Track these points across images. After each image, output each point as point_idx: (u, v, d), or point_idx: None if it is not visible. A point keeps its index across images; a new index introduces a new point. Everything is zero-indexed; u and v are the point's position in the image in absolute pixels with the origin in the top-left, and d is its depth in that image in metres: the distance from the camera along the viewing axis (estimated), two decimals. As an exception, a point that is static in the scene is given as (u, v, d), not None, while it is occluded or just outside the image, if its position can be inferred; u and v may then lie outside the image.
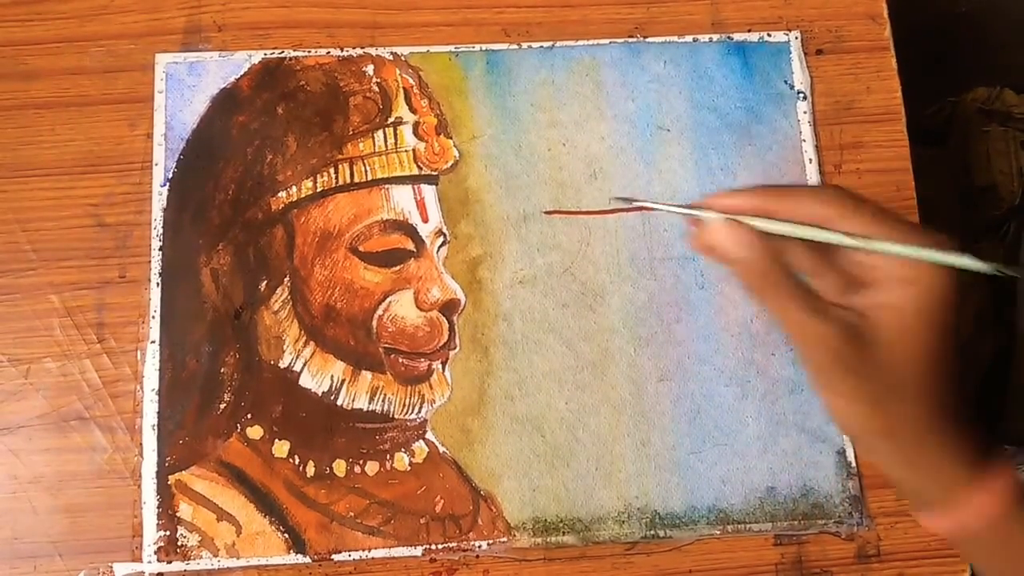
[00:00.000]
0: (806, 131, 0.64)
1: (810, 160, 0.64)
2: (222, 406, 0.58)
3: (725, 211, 0.42)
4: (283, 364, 0.59)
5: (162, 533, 0.56)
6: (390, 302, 0.60)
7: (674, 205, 0.43)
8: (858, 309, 0.42)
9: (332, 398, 0.59)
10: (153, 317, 0.59)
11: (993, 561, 0.45)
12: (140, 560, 0.56)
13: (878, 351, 0.41)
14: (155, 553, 0.56)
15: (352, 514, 0.57)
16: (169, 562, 0.56)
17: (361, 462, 0.58)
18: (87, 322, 0.59)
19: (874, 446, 0.44)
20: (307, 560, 0.57)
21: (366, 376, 0.59)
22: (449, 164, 0.62)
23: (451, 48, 0.64)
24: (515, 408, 0.59)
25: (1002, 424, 0.91)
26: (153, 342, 0.59)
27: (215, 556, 0.56)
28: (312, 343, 0.59)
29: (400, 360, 0.59)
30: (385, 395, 0.59)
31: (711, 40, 0.65)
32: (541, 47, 0.65)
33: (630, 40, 0.65)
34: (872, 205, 0.41)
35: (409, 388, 0.59)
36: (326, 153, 0.62)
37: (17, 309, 0.59)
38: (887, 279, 0.42)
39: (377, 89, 0.63)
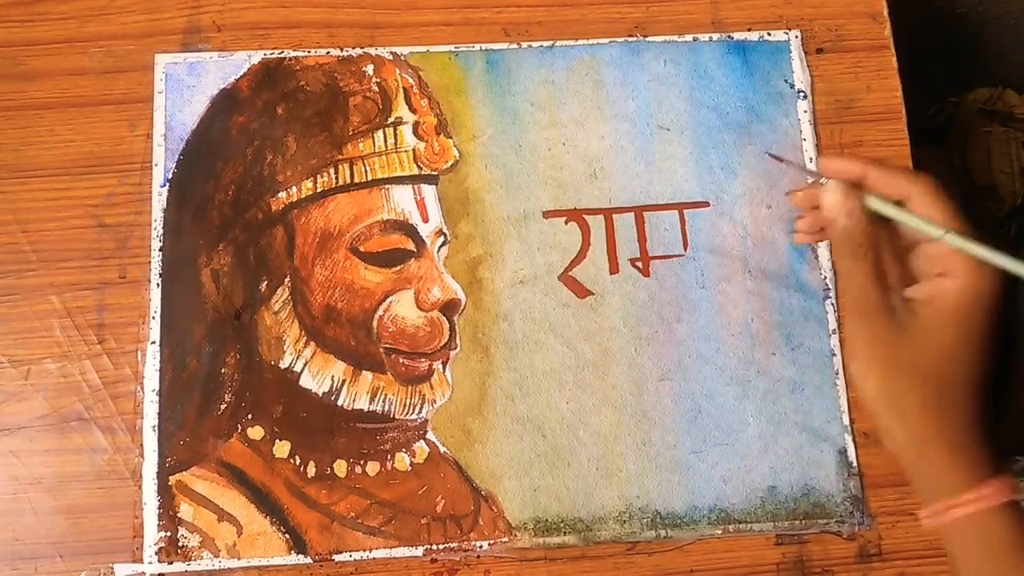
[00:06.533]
0: (806, 130, 0.64)
1: (811, 159, 0.64)
2: (223, 407, 0.58)
3: (841, 174, 0.50)
4: (284, 364, 0.59)
5: (163, 534, 0.56)
6: (391, 302, 0.60)
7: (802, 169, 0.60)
8: (909, 296, 0.49)
9: (333, 398, 0.59)
10: (153, 318, 0.59)
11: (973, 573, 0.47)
12: (141, 561, 0.56)
13: (910, 334, 0.47)
14: (156, 554, 0.56)
15: (353, 514, 0.57)
16: (170, 563, 0.56)
17: (362, 462, 0.58)
18: (87, 323, 0.59)
19: (885, 424, 0.48)
20: (308, 560, 0.56)
21: (367, 376, 0.59)
22: (449, 164, 0.62)
23: (451, 48, 0.64)
24: (516, 408, 0.59)
25: (1003, 425, 0.91)
26: (153, 343, 0.59)
27: (216, 557, 0.56)
28: (313, 343, 0.59)
29: (401, 360, 0.59)
30: (386, 395, 0.59)
31: (711, 39, 0.65)
32: (541, 47, 0.65)
33: (630, 39, 0.65)
34: (952, 204, 0.49)
35: (410, 388, 0.59)
36: (326, 153, 0.62)
37: (17, 310, 0.59)
38: (937, 274, 0.48)
39: (377, 89, 0.63)
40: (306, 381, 0.59)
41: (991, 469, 0.46)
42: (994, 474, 0.46)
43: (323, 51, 0.64)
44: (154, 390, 0.58)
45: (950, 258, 0.47)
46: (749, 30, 0.66)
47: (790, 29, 0.66)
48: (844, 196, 0.50)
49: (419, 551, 0.57)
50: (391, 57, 0.64)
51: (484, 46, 0.65)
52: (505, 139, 0.63)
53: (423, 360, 0.60)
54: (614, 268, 0.62)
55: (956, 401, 0.47)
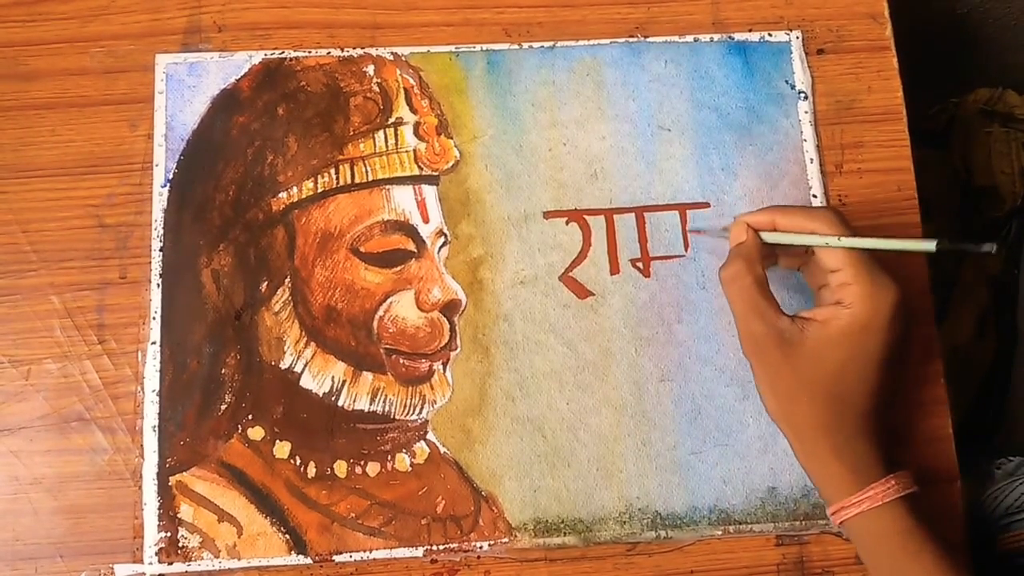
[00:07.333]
0: (807, 131, 0.64)
1: (811, 160, 0.64)
2: (223, 407, 0.58)
3: (754, 227, 0.55)
4: (284, 365, 0.59)
5: (163, 534, 0.56)
6: (391, 303, 0.60)
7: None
8: (806, 317, 0.52)
9: (333, 399, 0.59)
10: (154, 318, 0.59)
11: (874, 569, 0.52)
12: (141, 561, 0.56)
13: (798, 355, 0.51)
14: (156, 554, 0.56)
15: (353, 515, 0.57)
16: (170, 563, 0.56)
17: (362, 463, 0.58)
18: (88, 323, 0.59)
19: (785, 435, 0.53)
20: (308, 561, 0.56)
21: (367, 377, 0.59)
22: (450, 164, 0.62)
23: (451, 48, 0.64)
24: (516, 409, 0.59)
25: (1003, 427, 0.91)
26: (154, 343, 0.59)
27: (216, 557, 0.56)
28: (313, 344, 0.59)
29: (401, 361, 0.59)
30: (386, 396, 0.59)
31: (712, 40, 0.65)
32: (542, 47, 0.65)
33: (631, 40, 0.65)
34: (850, 227, 0.52)
35: (410, 389, 0.59)
36: (327, 154, 0.62)
37: (18, 310, 0.59)
38: (830, 299, 0.52)
39: (377, 89, 0.63)
40: (306, 382, 0.59)
41: (879, 473, 0.51)
42: (880, 477, 0.51)
43: (324, 51, 0.64)
44: (154, 390, 0.58)
45: (848, 289, 0.51)
46: (750, 31, 0.66)
47: (791, 30, 0.66)
48: (744, 228, 0.55)
49: (419, 552, 0.57)
50: (392, 57, 0.64)
51: (485, 46, 0.65)
52: (506, 139, 0.63)
53: (423, 361, 0.60)
54: (615, 269, 0.62)
55: (842, 416, 0.51)
